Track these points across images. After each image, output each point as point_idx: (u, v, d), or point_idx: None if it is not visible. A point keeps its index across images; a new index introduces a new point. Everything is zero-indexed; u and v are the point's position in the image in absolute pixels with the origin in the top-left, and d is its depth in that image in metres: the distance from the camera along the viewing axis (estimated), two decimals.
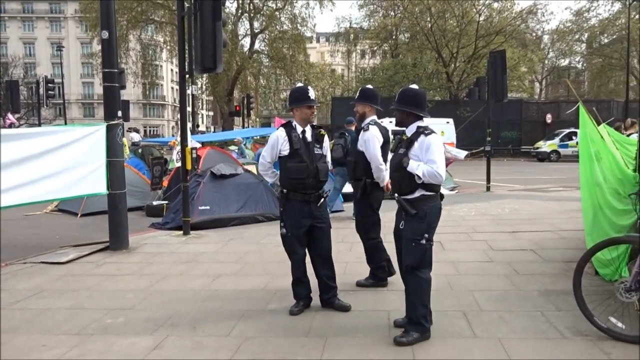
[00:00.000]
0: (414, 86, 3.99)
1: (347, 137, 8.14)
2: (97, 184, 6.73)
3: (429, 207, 3.72)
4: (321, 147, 4.39)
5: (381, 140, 4.87)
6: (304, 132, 4.32)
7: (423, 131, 3.73)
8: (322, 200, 4.36)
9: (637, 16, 37.54)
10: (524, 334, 3.84)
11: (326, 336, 3.85)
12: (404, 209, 3.78)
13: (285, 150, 4.26)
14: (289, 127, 4.33)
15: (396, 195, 3.86)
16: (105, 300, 4.80)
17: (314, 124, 4.45)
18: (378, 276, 5.02)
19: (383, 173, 4.83)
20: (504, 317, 4.17)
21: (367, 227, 5.02)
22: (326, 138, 4.50)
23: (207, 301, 4.72)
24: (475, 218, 9.01)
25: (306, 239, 4.36)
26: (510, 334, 3.82)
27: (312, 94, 4.38)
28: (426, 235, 3.69)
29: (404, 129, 3.90)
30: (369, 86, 5.39)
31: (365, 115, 4.99)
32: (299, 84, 4.90)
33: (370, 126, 4.86)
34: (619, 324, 3.77)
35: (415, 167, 3.65)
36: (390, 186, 5.01)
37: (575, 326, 3.91)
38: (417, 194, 3.72)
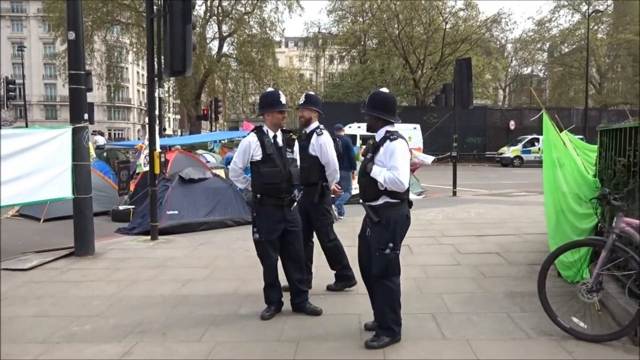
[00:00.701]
0: (384, 90, 3.95)
1: (338, 142, 8.85)
2: (62, 188, 6.57)
3: (394, 214, 3.67)
4: (292, 152, 4.42)
5: (333, 143, 4.97)
6: (275, 136, 4.34)
7: (389, 136, 3.69)
8: (295, 204, 4.39)
9: (595, 27, 39.07)
10: (492, 335, 3.93)
11: (298, 340, 3.86)
12: (368, 216, 3.76)
13: (258, 156, 4.26)
14: (260, 132, 4.33)
15: (361, 200, 3.84)
16: (72, 308, 4.69)
17: (284, 128, 4.48)
18: (347, 275, 5.04)
19: (337, 175, 4.95)
20: (472, 319, 4.26)
21: (327, 229, 5.01)
22: (296, 142, 4.53)
23: (177, 307, 4.66)
24: (442, 222, 9.17)
25: (279, 244, 4.37)
26: (478, 335, 3.91)
27: (283, 98, 4.40)
28: (390, 245, 3.65)
29: (374, 134, 3.90)
30: (311, 92, 5.44)
31: (311, 120, 4.96)
32: (270, 89, 4.93)
33: (323, 131, 4.88)
34: (581, 324, 3.91)
35: (377, 172, 3.61)
36: (337, 189, 5.12)
37: (539, 326, 4.03)
38: (381, 200, 3.68)
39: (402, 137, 3.75)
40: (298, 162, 4.50)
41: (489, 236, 7.75)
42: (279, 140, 4.34)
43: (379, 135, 3.79)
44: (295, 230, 4.39)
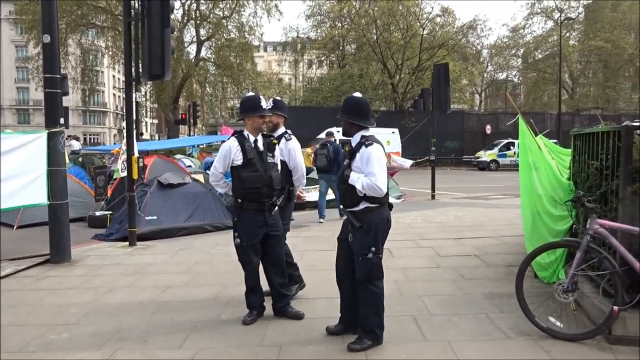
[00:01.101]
0: (358, 94, 3.96)
1: (330, 147, 9.53)
2: (37, 194, 6.45)
3: (375, 219, 3.69)
4: (274, 156, 4.43)
5: (300, 149, 5.03)
6: (256, 141, 4.34)
7: (364, 142, 3.70)
8: (276, 208, 4.39)
9: (568, 34, 39.99)
10: (471, 335, 3.99)
11: (280, 344, 3.86)
12: (349, 221, 3.77)
13: (239, 160, 4.25)
14: (241, 137, 4.31)
15: (341, 207, 3.90)
16: (48, 316, 4.60)
17: (264, 132, 4.49)
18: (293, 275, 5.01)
19: (304, 180, 4.98)
20: (452, 320, 4.32)
21: (285, 232, 4.91)
22: (278, 147, 4.54)
23: (157, 313, 4.61)
24: (421, 225, 9.26)
25: (260, 248, 4.36)
26: (458, 337, 3.97)
27: (264, 103, 4.41)
28: (373, 249, 3.67)
29: (349, 138, 3.90)
30: (278, 97, 5.43)
31: (279, 125, 4.95)
32: (250, 93, 4.92)
33: (292, 136, 4.88)
34: (558, 323, 4.00)
35: (355, 179, 3.62)
36: (301, 194, 5.15)
37: (518, 327, 4.10)
38: (361, 206, 3.69)
39: (378, 142, 3.75)
40: (279, 167, 4.49)
41: (467, 239, 7.85)
42: (260, 144, 4.35)
43: (355, 140, 3.81)
44: (277, 235, 4.39)
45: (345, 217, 3.92)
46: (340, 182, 3.86)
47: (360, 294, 3.80)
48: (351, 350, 3.69)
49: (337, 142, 10.18)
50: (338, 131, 7.83)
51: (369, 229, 3.67)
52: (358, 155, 3.69)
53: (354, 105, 3.83)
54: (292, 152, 4.77)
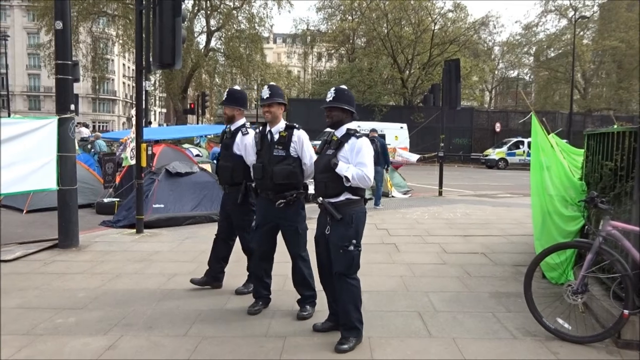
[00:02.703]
0: (344, 87, 3.87)
1: (377, 141, 10.18)
2: (47, 179, 6.48)
3: (355, 211, 3.64)
4: (285, 149, 4.18)
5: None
6: (270, 132, 4.27)
7: (354, 133, 3.67)
8: (282, 202, 4.14)
9: (581, 33, 39.55)
10: (477, 334, 3.97)
11: (285, 336, 3.85)
12: (329, 213, 3.66)
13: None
14: (263, 127, 4.32)
15: (320, 198, 3.73)
16: (55, 300, 4.62)
17: (289, 123, 4.27)
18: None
19: None
20: (458, 317, 4.29)
21: (246, 228, 4.80)
22: (298, 139, 4.18)
23: (162, 300, 4.63)
24: (428, 221, 9.23)
25: (269, 238, 4.32)
26: (464, 334, 3.94)
27: (264, 92, 4.26)
28: (354, 241, 3.61)
29: (332, 130, 3.80)
30: (237, 87, 5.22)
31: (234, 118, 4.82)
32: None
33: (249, 129, 4.74)
34: (566, 325, 3.96)
35: (344, 169, 3.55)
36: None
37: (524, 327, 4.07)
38: (342, 197, 3.63)
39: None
40: (305, 160, 4.21)
41: (474, 236, 7.81)
42: (274, 137, 4.22)
43: (340, 132, 3.73)
44: (289, 230, 4.25)
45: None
46: (320, 172, 3.74)
47: (340, 288, 3.71)
48: (339, 352, 3.57)
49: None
50: (359, 126, 7.81)
51: (350, 220, 3.62)
52: (347, 146, 3.63)
53: (350, 95, 3.80)
54: (248, 147, 4.60)
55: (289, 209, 4.18)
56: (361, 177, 3.52)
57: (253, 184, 4.52)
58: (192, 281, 5.00)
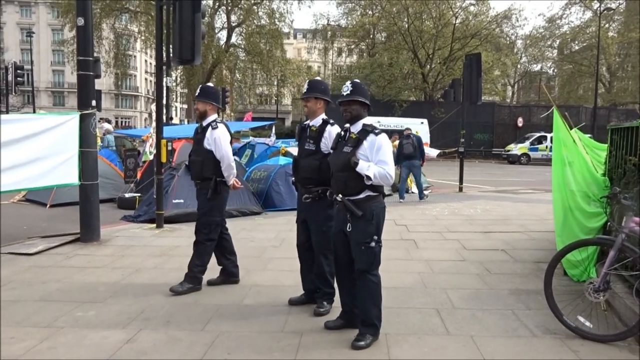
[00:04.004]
0: (358, 80, 3.86)
1: (413, 137, 11.39)
2: (68, 174, 6.58)
3: (375, 207, 3.59)
4: (315, 144, 4.15)
5: (229, 138, 4.81)
6: (308, 126, 4.26)
7: (372, 130, 3.60)
8: (309, 198, 4.14)
9: (607, 25, 38.65)
10: (496, 331, 3.91)
11: (301, 332, 3.85)
12: (349, 211, 3.58)
13: None
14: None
15: (340, 196, 3.64)
16: (76, 293, 4.70)
17: (325, 118, 4.24)
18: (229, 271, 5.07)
19: (234, 171, 4.82)
20: (477, 315, 4.24)
21: (211, 227, 4.86)
22: (329, 134, 4.11)
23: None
24: (448, 218, 9.14)
25: (303, 230, 4.35)
26: (482, 332, 3.89)
27: (304, 87, 4.34)
28: (375, 237, 3.57)
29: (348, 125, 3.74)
30: (210, 84, 5.23)
31: (206, 113, 4.83)
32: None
33: (218, 124, 4.75)
34: (587, 323, 3.88)
35: (365, 167, 3.48)
36: (236, 184, 4.94)
37: (544, 325, 4.00)
38: (363, 194, 3.57)
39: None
40: (316, 155, 4.17)
41: (494, 233, 7.72)
42: (309, 130, 4.23)
43: (357, 127, 3.67)
44: (311, 225, 4.25)
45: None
46: (339, 170, 3.65)
47: (360, 285, 3.68)
48: (356, 348, 3.54)
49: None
50: (379, 122, 7.77)
51: (371, 217, 3.57)
52: (366, 144, 3.56)
53: (366, 88, 3.76)
54: (217, 141, 4.64)
55: (315, 205, 4.15)
56: (383, 175, 3.47)
57: (223, 179, 4.62)
58: (209, 283, 5.02)
